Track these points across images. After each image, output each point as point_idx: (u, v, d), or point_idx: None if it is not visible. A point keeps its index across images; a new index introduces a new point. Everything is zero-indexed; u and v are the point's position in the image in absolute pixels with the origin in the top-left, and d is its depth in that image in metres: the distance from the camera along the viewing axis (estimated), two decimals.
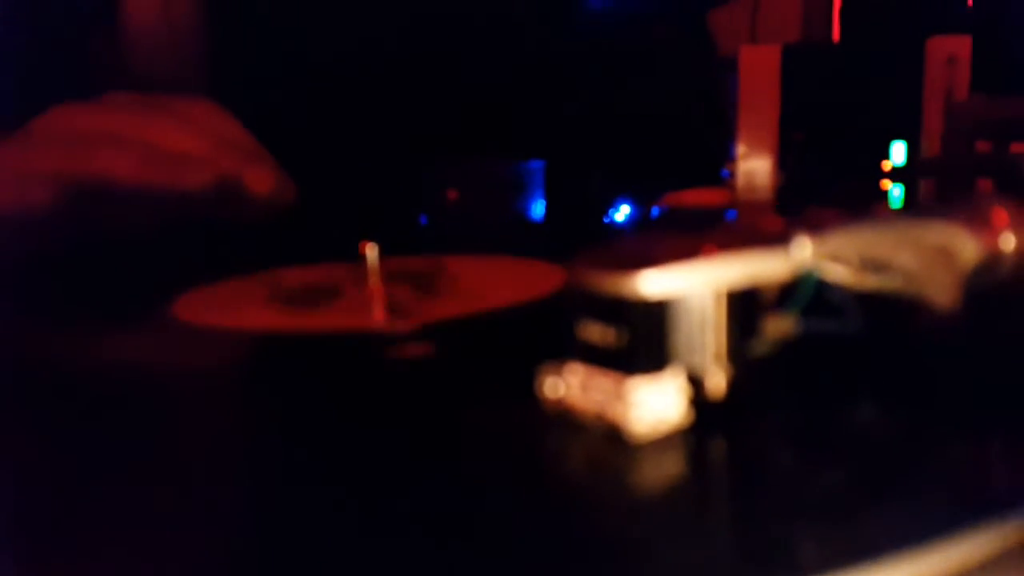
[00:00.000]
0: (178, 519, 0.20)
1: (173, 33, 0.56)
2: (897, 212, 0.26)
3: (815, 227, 0.24)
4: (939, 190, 0.52)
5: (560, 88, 0.59)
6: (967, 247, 0.26)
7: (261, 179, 0.45)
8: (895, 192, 0.54)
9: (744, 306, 0.23)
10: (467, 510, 0.20)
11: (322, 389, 0.29)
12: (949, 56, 0.57)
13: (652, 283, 0.22)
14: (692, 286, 0.22)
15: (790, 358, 0.25)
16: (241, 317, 0.37)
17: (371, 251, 0.37)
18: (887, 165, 0.57)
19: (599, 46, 0.61)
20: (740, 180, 0.58)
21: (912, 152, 0.56)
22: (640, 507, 0.20)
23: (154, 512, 0.21)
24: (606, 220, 0.58)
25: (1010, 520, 0.18)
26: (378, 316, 0.36)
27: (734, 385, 0.23)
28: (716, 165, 0.61)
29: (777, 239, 0.23)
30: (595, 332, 0.23)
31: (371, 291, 0.37)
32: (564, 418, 0.24)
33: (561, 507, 0.20)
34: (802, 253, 0.23)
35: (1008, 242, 0.27)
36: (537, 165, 0.57)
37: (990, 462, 0.22)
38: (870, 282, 0.27)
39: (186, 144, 0.45)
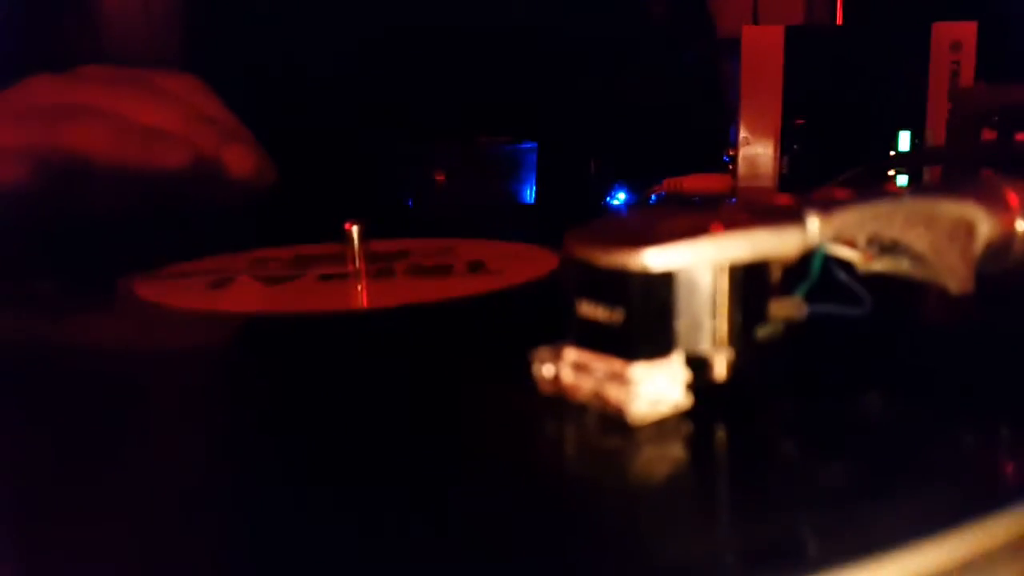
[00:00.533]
0: (150, 508, 0.19)
1: (150, 14, 0.55)
2: (908, 190, 0.24)
3: (823, 204, 0.23)
4: (944, 179, 0.51)
5: (555, 67, 0.58)
6: (981, 227, 0.25)
7: (240, 159, 0.44)
8: (901, 180, 0.53)
9: (750, 286, 0.22)
10: (459, 496, 0.19)
11: (305, 372, 0.28)
12: (953, 42, 0.56)
13: (654, 258, 0.21)
14: (696, 262, 0.21)
15: (796, 342, 0.24)
16: (216, 298, 0.36)
17: (355, 232, 0.36)
18: (894, 152, 0.56)
19: (596, 25, 0.59)
20: (741, 166, 0.57)
21: (917, 140, 0.55)
22: (638, 495, 0.19)
23: (124, 502, 0.20)
24: (602, 205, 0.57)
25: (1018, 511, 0.18)
26: (361, 297, 0.35)
27: (737, 369, 0.22)
28: (717, 150, 0.60)
29: (786, 215, 0.22)
30: (593, 310, 0.22)
31: (354, 271, 0.36)
32: (559, 401, 0.23)
33: (556, 494, 0.19)
34: (811, 231, 0.22)
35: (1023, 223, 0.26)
36: (529, 147, 0.56)
37: (999, 453, 0.21)
38: (880, 264, 0.26)
39: (163, 119, 0.44)
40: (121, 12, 0.57)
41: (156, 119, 0.44)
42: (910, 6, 0.58)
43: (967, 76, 0.54)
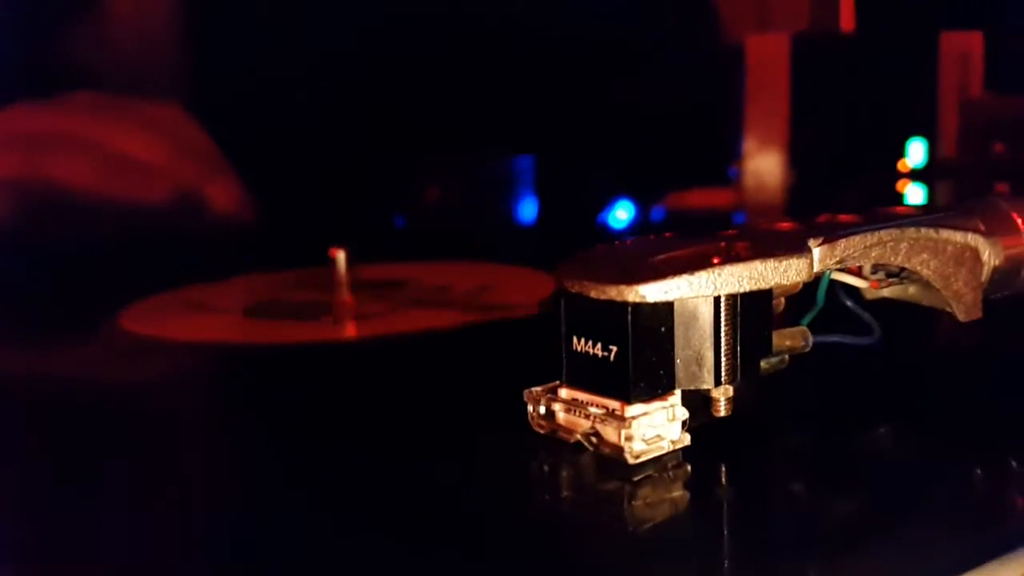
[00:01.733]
0: (131, 541, 0.19)
1: (147, 28, 0.55)
2: (914, 214, 0.23)
3: (827, 231, 0.22)
4: (955, 192, 0.50)
5: (553, 76, 0.57)
6: (989, 252, 0.24)
7: (221, 193, 0.45)
8: (916, 193, 0.52)
9: (752, 318, 0.21)
10: (448, 541, 0.18)
11: (288, 406, 0.27)
12: (962, 52, 0.55)
13: (651, 291, 0.20)
14: (696, 294, 0.20)
15: (801, 374, 0.23)
16: (199, 329, 0.35)
17: (340, 256, 0.35)
18: (904, 165, 0.55)
19: (597, 33, 0.58)
20: (748, 179, 0.56)
21: (930, 151, 0.54)
22: (636, 540, 0.18)
23: (110, 535, 0.19)
24: (604, 222, 0.56)
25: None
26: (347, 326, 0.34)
27: (739, 404, 0.21)
28: (722, 163, 0.59)
29: (788, 244, 0.21)
30: (587, 346, 0.21)
31: (339, 300, 0.36)
32: (552, 441, 0.22)
33: (550, 539, 0.19)
34: (815, 259, 0.21)
35: None
36: (526, 161, 0.55)
37: (1011, 491, 0.20)
38: (887, 291, 0.25)
39: (146, 152, 0.44)
40: (118, 19, 0.56)
41: (140, 151, 0.44)
42: (918, 14, 0.57)
43: (975, 87, 0.53)
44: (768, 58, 0.58)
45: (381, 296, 0.38)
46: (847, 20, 0.60)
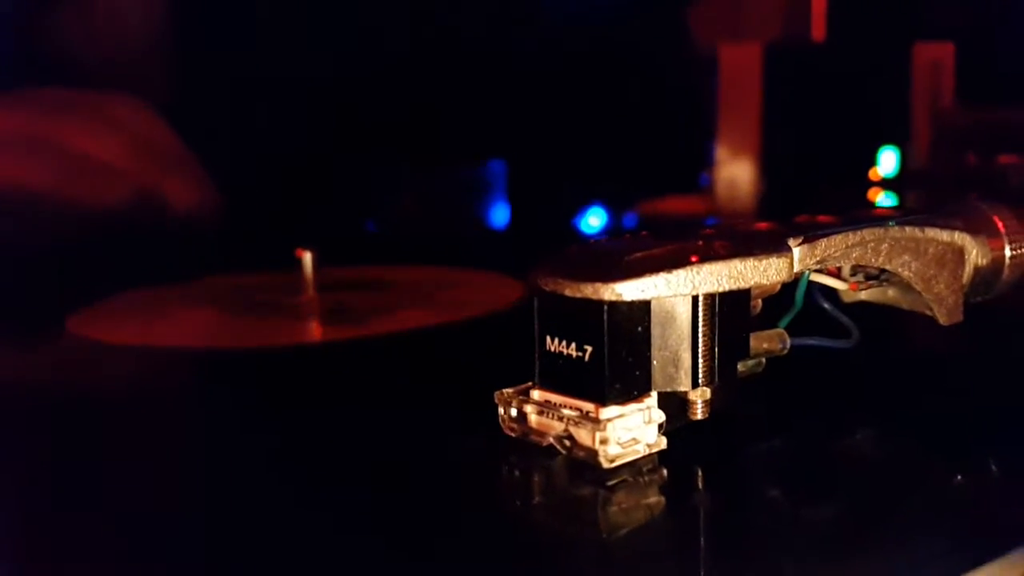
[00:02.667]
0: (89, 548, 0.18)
1: (114, 25, 0.54)
2: (893, 215, 0.23)
3: (807, 231, 0.21)
4: (927, 202, 0.50)
5: (526, 83, 0.57)
6: (971, 255, 0.24)
7: (182, 190, 0.44)
8: (887, 202, 0.52)
9: (730, 318, 0.20)
10: (415, 550, 0.17)
11: (252, 410, 0.26)
12: (934, 62, 0.55)
13: (628, 289, 0.19)
14: (673, 293, 0.19)
15: (778, 377, 0.22)
16: (161, 332, 0.34)
17: (306, 258, 0.35)
18: (876, 174, 0.55)
19: (570, 40, 0.58)
20: (720, 187, 0.56)
21: (902, 160, 0.54)
22: (610, 547, 0.18)
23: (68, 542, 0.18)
24: (576, 228, 0.56)
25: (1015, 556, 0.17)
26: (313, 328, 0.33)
27: (717, 407, 0.21)
28: (695, 170, 0.59)
29: (768, 243, 0.21)
30: (561, 346, 0.20)
31: (305, 301, 0.35)
32: (524, 444, 0.21)
33: (521, 546, 0.18)
34: (795, 259, 0.21)
35: (1013, 250, 0.24)
36: (499, 166, 0.55)
37: (993, 493, 0.20)
38: (866, 293, 0.25)
39: (107, 151, 0.43)
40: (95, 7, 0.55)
41: (100, 150, 0.43)
42: (890, 24, 0.57)
43: (946, 97, 0.53)
44: (741, 67, 0.58)
45: (349, 298, 0.37)
46: (819, 29, 0.60)
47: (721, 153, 0.58)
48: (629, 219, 0.57)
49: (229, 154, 0.49)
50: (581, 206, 0.57)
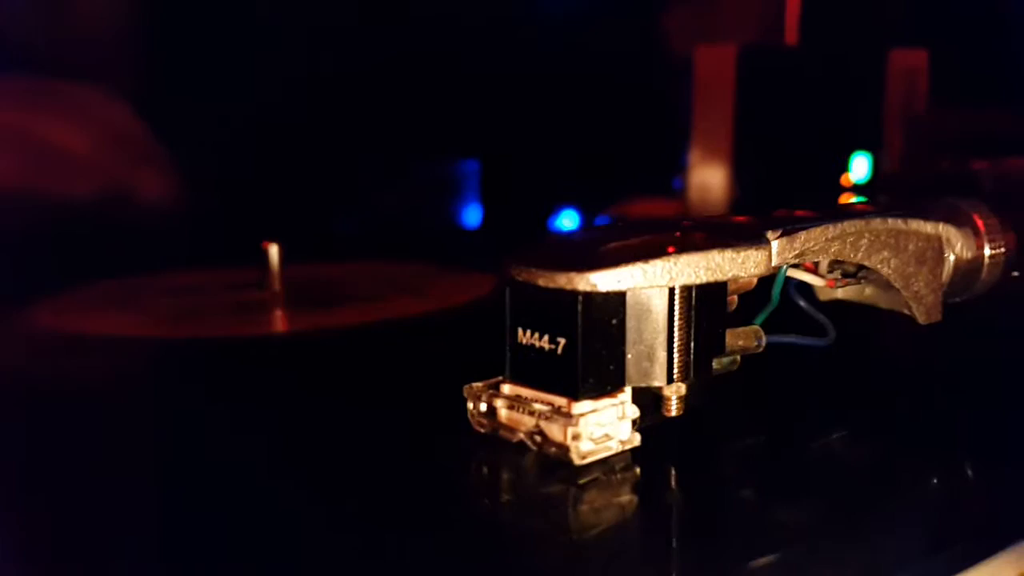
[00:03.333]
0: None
1: (83, 15, 0.53)
2: (873, 211, 0.22)
3: (786, 224, 0.21)
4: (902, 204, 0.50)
5: (500, 84, 0.56)
6: (954, 247, 0.23)
7: (149, 182, 0.43)
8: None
9: (706, 312, 0.20)
10: (379, 550, 0.17)
11: (217, 403, 0.25)
12: (908, 69, 0.55)
13: (603, 279, 0.18)
14: (650, 284, 0.19)
15: (754, 374, 0.22)
16: (122, 323, 0.33)
17: (273, 252, 0.34)
18: (847, 179, 0.55)
19: (544, 41, 0.58)
20: (693, 190, 0.56)
21: (875, 165, 0.54)
22: (581, 547, 0.17)
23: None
24: (549, 230, 0.55)
25: (990, 559, 0.17)
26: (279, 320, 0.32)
27: (691, 404, 0.20)
28: (668, 173, 0.58)
29: (746, 235, 0.20)
30: (533, 338, 0.19)
31: (271, 294, 0.34)
32: (493, 440, 0.20)
33: (489, 547, 0.17)
34: (774, 252, 0.20)
35: (993, 249, 0.24)
36: (472, 167, 0.54)
37: (971, 494, 0.20)
38: (843, 291, 0.24)
39: (74, 141, 0.42)
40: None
41: (67, 141, 0.42)
42: (864, 30, 0.57)
43: (920, 103, 0.54)
44: (715, 69, 0.58)
45: (316, 291, 0.36)
46: (793, 34, 0.60)
47: (694, 156, 0.58)
48: (602, 222, 0.57)
49: (199, 147, 0.48)
50: (554, 208, 0.57)
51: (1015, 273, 0.25)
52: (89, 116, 0.45)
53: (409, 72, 0.55)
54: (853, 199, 0.54)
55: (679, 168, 0.58)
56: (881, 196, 0.53)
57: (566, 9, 0.61)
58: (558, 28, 0.59)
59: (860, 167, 0.56)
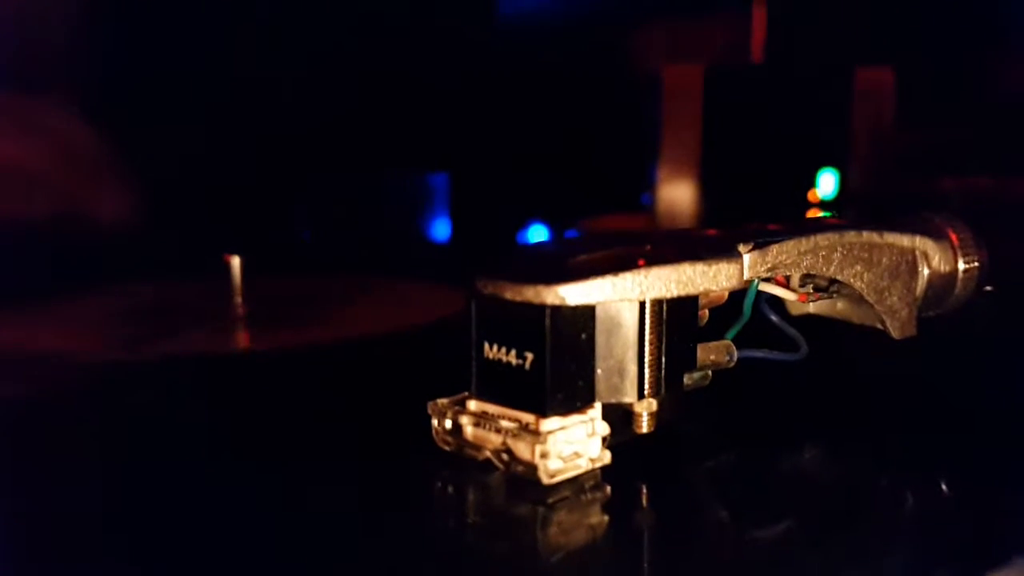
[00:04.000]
0: None
1: (38, 25, 0.52)
2: (846, 224, 0.22)
3: (757, 237, 0.21)
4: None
5: (469, 99, 0.56)
6: (931, 260, 0.23)
7: (104, 200, 0.42)
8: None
9: (677, 327, 0.19)
10: (346, 568, 0.16)
11: (175, 420, 0.24)
12: (875, 87, 0.56)
13: (572, 292, 0.18)
14: (620, 297, 0.18)
15: (726, 389, 0.21)
16: (75, 341, 0.32)
17: (234, 264, 0.33)
18: (814, 195, 0.55)
19: (514, 58, 0.57)
20: (662, 205, 0.55)
21: (842, 182, 0.54)
22: (549, 570, 0.16)
23: None
24: (519, 243, 0.55)
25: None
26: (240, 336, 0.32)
27: (662, 420, 0.20)
28: (636, 189, 0.58)
29: (717, 248, 0.20)
30: (500, 353, 0.19)
31: (232, 308, 0.33)
32: (459, 459, 0.20)
33: (455, 570, 0.17)
34: (745, 266, 0.20)
35: (967, 263, 0.24)
36: (441, 181, 0.54)
37: (945, 512, 0.19)
38: (815, 306, 0.24)
39: (28, 159, 0.41)
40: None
41: (22, 159, 0.41)
42: (831, 47, 0.57)
43: (887, 120, 0.54)
44: (683, 87, 0.58)
45: (280, 306, 0.35)
46: (760, 52, 0.60)
47: (663, 172, 0.58)
48: (571, 236, 0.57)
49: (158, 160, 0.47)
50: (522, 223, 0.56)
51: (988, 288, 0.24)
52: (45, 131, 0.44)
53: (378, 85, 0.54)
54: (820, 215, 0.54)
55: (648, 184, 0.58)
56: (850, 211, 0.53)
57: (538, 26, 0.61)
58: (529, 44, 0.59)
59: (827, 183, 0.56)
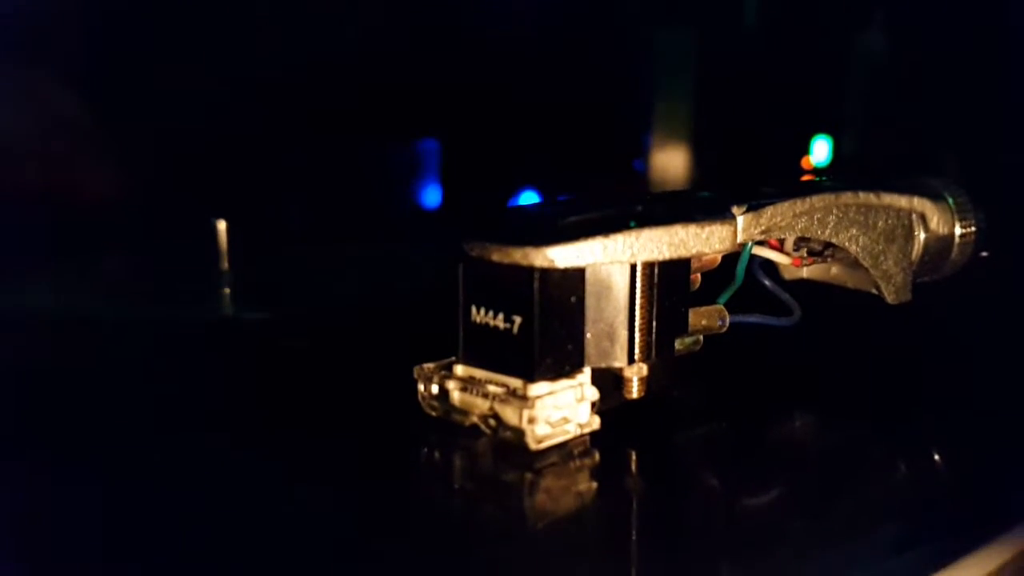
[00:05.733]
0: None
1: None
2: (841, 187, 0.22)
3: (752, 198, 0.20)
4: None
5: (459, 63, 0.55)
6: (931, 221, 0.23)
7: (93, 168, 0.42)
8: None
9: (669, 290, 0.19)
10: (325, 539, 0.16)
11: (162, 388, 0.24)
12: (870, 52, 0.55)
13: (561, 254, 0.17)
14: (610, 260, 0.18)
15: (718, 355, 0.21)
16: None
17: (220, 227, 0.32)
18: (808, 162, 0.55)
19: (505, 21, 0.57)
20: (654, 172, 0.55)
21: (836, 148, 0.53)
22: (537, 535, 0.16)
23: None
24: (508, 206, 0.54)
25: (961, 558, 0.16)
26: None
27: (652, 385, 0.19)
28: (628, 156, 0.58)
29: (711, 210, 0.19)
30: (487, 317, 0.18)
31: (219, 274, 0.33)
32: (445, 424, 0.19)
33: (440, 536, 0.16)
34: (739, 228, 0.20)
35: (963, 228, 0.23)
36: (431, 147, 0.53)
37: (938, 482, 0.19)
38: (809, 270, 0.24)
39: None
40: None
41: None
42: (825, 12, 0.56)
43: (882, 86, 0.53)
44: (675, 52, 0.57)
45: (268, 274, 0.35)
46: (754, 15, 0.59)
47: (655, 138, 0.57)
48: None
49: (146, 126, 0.46)
50: (514, 189, 0.55)
51: (984, 253, 0.24)
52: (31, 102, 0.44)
53: (368, 51, 0.53)
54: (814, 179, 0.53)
55: (640, 150, 0.57)
56: (845, 174, 0.52)
57: None
58: (520, 8, 0.58)
59: (821, 150, 0.55)
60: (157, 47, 0.50)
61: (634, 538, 0.17)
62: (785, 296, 0.23)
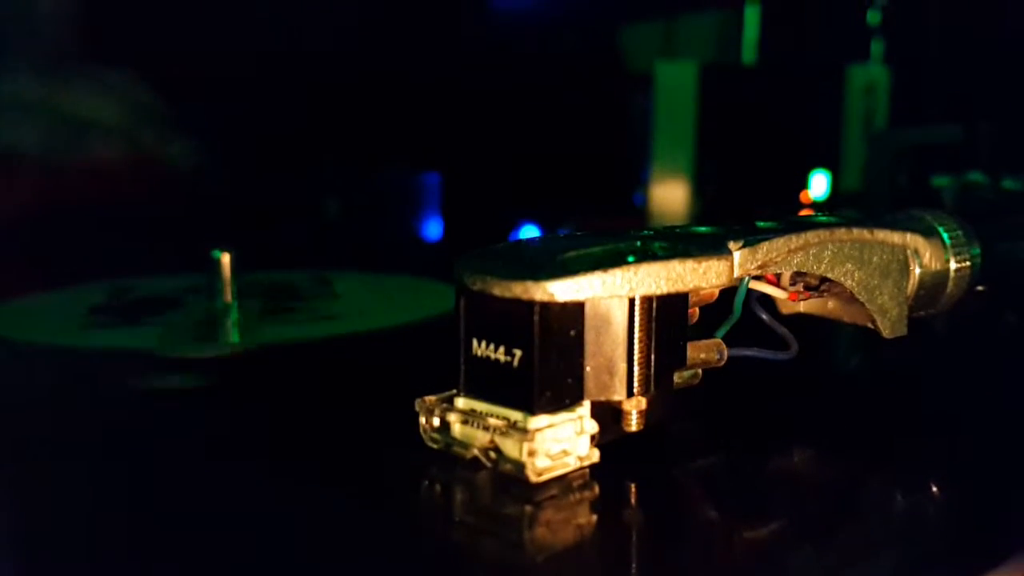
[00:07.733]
0: None
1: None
2: (837, 221, 0.22)
3: (748, 234, 0.20)
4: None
5: (462, 99, 0.56)
6: (924, 258, 0.23)
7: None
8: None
9: (667, 324, 0.19)
10: (332, 569, 0.16)
11: (163, 418, 0.24)
12: (868, 85, 0.56)
13: (561, 289, 0.18)
14: (609, 294, 0.18)
15: (716, 388, 0.21)
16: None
17: (224, 260, 0.33)
18: (806, 196, 0.55)
19: (506, 57, 0.57)
20: (654, 206, 0.55)
21: (834, 183, 0.54)
22: (537, 569, 0.16)
23: None
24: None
25: None
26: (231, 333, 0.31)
27: (651, 418, 0.20)
28: (628, 190, 0.58)
29: (708, 245, 0.20)
30: (488, 350, 0.19)
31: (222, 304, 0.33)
32: (446, 456, 0.19)
33: (442, 569, 0.16)
34: (736, 263, 0.20)
35: (959, 263, 0.24)
36: (433, 180, 0.54)
37: (937, 513, 0.19)
38: (804, 306, 0.24)
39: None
40: None
41: None
42: (824, 48, 0.57)
43: (880, 119, 0.54)
44: (676, 87, 0.58)
45: (270, 303, 0.35)
46: (752, 51, 0.60)
47: (655, 173, 0.57)
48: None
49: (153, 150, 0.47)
50: (514, 222, 0.56)
51: (980, 287, 0.24)
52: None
53: (372, 84, 0.54)
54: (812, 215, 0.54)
55: (640, 184, 0.58)
56: (843, 210, 0.53)
57: (530, 25, 0.60)
58: (522, 43, 0.58)
59: (819, 184, 0.56)
60: (163, 74, 0.51)
61: (634, 571, 0.17)
62: (782, 330, 0.23)
